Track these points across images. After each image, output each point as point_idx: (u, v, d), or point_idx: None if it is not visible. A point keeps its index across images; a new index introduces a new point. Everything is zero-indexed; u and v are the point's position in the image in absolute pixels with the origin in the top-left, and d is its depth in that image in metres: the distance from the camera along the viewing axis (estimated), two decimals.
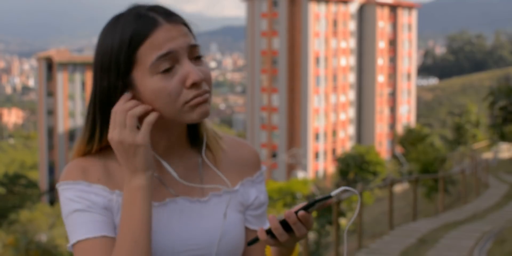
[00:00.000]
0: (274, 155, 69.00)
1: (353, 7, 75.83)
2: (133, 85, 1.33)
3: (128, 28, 1.30)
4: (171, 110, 1.31)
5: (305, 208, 1.30)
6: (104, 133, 1.37)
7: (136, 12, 1.32)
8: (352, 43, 75.81)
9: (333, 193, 1.28)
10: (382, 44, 77.58)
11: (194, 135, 1.46)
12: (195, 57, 1.33)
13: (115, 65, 1.32)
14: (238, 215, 1.44)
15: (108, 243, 1.30)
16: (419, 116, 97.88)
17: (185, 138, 1.44)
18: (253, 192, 1.49)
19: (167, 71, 1.30)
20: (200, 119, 1.33)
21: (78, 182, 1.34)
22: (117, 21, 1.34)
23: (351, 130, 74.85)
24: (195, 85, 1.30)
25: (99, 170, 1.37)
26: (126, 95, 1.32)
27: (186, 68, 1.30)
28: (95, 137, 1.38)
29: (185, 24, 1.35)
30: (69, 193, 1.34)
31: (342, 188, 1.27)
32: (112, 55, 1.32)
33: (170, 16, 1.33)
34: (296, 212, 1.29)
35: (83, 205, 1.32)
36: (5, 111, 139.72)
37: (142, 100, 1.33)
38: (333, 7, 72.53)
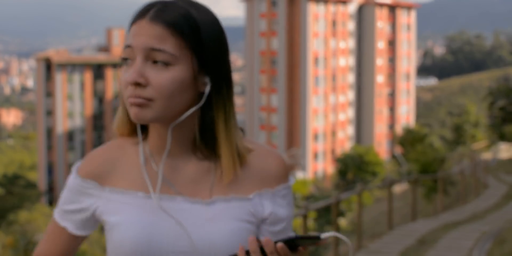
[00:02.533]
0: None
1: (352, 7, 75.85)
2: None
3: (135, 12, 1.37)
4: (124, 99, 1.35)
5: (286, 241, 1.23)
6: (123, 107, 1.42)
7: (151, 2, 1.36)
8: (351, 43, 75.82)
9: (323, 236, 1.21)
10: (381, 44, 77.59)
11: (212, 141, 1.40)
12: (157, 61, 1.31)
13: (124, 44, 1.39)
14: (242, 225, 1.36)
15: (63, 235, 1.44)
16: (418, 116, 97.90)
17: (193, 142, 1.40)
18: (269, 205, 1.40)
19: (127, 62, 1.33)
20: (134, 119, 1.31)
21: (76, 176, 1.42)
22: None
23: (350, 130, 74.86)
24: (132, 85, 1.31)
25: (106, 163, 1.41)
26: None
27: (134, 67, 1.30)
28: (117, 115, 1.44)
29: (174, 27, 1.31)
30: (71, 179, 1.43)
31: (332, 233, 1.20)
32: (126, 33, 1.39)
33: (159, 14, 1.31)
34: (276, 242, 1.23)
35: (72, 195, 1.42)
36: (4, 112, 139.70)
37: None
38: (332, 7, 72.54)
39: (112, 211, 1.37)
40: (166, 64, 1.30)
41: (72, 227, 1.43)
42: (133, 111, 1.31)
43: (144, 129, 1.42)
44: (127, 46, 1.32)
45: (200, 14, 1.34)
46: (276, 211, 1.40)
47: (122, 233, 1.33)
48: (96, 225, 1.45)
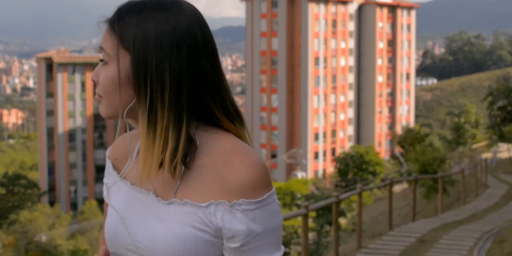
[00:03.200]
0: (273, 156, 69.04)
1: (352, 8, 75.88)
2: None
3: None
4: None
5: None
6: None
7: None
8: (351, 43, 75.85)
9: None
10: (381, 45, 77.62)
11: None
12: (101, 60, 1.38)
13: None
14: (190, 231, 1.29)
15: (112, 210, 1.45)
16: (418, 116, 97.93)
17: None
18: (219, 217, 1.29)
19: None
20: (102, 115, 1.39)
21: (108, 154, 1.53)
22: None
23: (350, 130, 74.89)
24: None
25: (122, 149, 1.49)
26: None
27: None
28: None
29: (112, 27, 1.36)
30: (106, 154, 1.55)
31: None
32: None
33: (112, 16, 1.37)
34: None
35: (106, 170, 1.53)
36: (5, 112, 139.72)
37: None
38: (332, 8, 72.57)
39: (111, 192, 1.46)
40: (106, 63, 1.36)
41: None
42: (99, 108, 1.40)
43: None
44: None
45: (146, 15, 1.32)
46: (228, 226, 1.28)
47: (107, 217, 1.43)
48: None
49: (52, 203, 63.17)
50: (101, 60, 1.37)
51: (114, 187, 1.44)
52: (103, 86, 1.35)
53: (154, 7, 1.32)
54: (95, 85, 1.38)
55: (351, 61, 75.84)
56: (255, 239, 1.29)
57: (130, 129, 1.39)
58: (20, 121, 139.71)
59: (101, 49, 1.36)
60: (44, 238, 36.98)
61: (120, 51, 1.32)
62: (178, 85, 1.29)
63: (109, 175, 1.48)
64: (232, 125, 1.37)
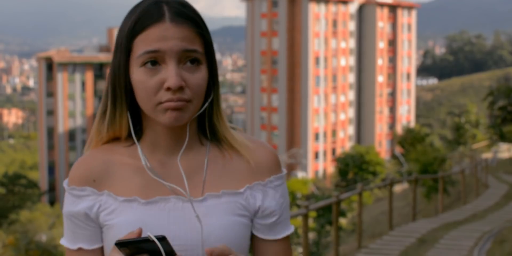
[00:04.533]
0: None
1: (352, 7, 75.86)
2: (129, 70, 1.36)
3: (140, 14, 1.32)
4: (147, 105, 1.33)
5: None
6: (115, 115, 1.39)
7: (154, 2, 1.33)
8: (351, 43, 75.84)
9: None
10: (381, 44, 77.61)
11: (211, 133, 1.45)
12: (191, 62, 1.33)
13: (122, 45, 1.35)
14: (234, 219, 1.38)
15: (82, 254, 1.39)
16: (418, 116, 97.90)
17: (195, 136, 1.43)
18: (260, 198, 1.42)
19: (152, 67, 1.31)
20: (169, 124, 1.32)
21: (71, 187, 1.39)
22: (139, 4, 1.36)
23: (350, 130, 74.88)
24: (170, 89, 1.30)
25: (99, 166, 1.39)
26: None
27: (169, 71, 1.29)
28: (106, 118, 1.40)
29: (196, 26, 1.34)
30: (66, 196, 1.41)
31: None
32: (122, 35, 1.35)
33: (179, 15, 1.32)
34: None
35: (69, 212, 1.39)
36: (5, 111, 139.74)
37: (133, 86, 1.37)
38: (333, 7, 72.56)
39: (110, 212, 1.37)
40: (198, 64, 1.33)
41: (86, 244, 1.40)
42: (171, 115, 1.31)
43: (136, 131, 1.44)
44: (152, 51, 1.30)
45: (196, 11, 1.37)
46: (267, 204, 1.42)
47: (121, 233, 1.33)
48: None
49: (52, 203, 63.17)
50: (194, 63, 1.33)
51: (118, 209, 1.36)
52: (198, 88, 1.32)
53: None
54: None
55: (352, 61, 75.82)
56: (284, 211, 1.45)
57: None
58: (20, 121, 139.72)
59: (190, 51, 1.31)
60: (44, 238, 36.96)
61: (205, 51, 1.35)
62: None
63: (87, 200, 1.38)
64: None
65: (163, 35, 1.29)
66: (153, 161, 1.40)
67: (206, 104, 1.39)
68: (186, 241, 1.34)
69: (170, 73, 1.29)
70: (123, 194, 1.37)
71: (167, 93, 1.30)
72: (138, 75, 1.32)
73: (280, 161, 1.47)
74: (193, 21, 1.33)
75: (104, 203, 1.37)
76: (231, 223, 1.37)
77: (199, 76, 1.32)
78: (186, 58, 1.32)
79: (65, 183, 1.41)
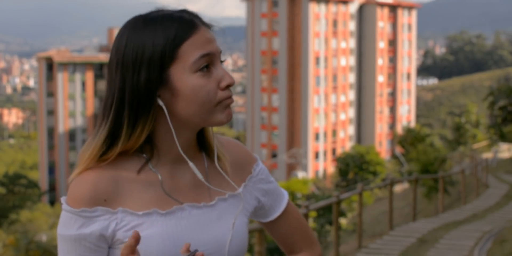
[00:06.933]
0: (274, 155, 69.04)
1: (353, 7, 75.87)
2: (169, 80, 1.33)
3: (171, 26, 1.33)
4: (206, 108, 1.34)
5: None
6: (133, 131, 1.35)
7: (171, 14, 1.36)
8: (352, 43, 75.84)
9: None
10: (382, 44, 77.61)
11: (201, 141, 1.47)
12: (221, 62, 1.40)
13: (155, 59, 1.32)
14: (242, 219, 1.46)
15: None
16: (419, 116, 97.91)
17: (195, 143, 1.45)
18: (259, 189, 1.52)
19: (205, 70, 1.34)
20: (227, 120, 1.37)
21: (81, 210, 1.33)
22: (151, 22, 1.35)
23: (351, 130, 74.88)
24: (227, 87, 1.36)
25: (109, 184, 1.35)
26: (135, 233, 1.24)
27: (220, 70, 1.36)
28: (120, 138, 1.35)
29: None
30: (71, 218, 1.34)
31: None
32: (154, 50, 1.32)
33: (202, 21, 1.39)
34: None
35: (79, 235, 1.33)
36: (5, 111, 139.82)
37: (176, 96, 1.34)
38: (333, 7, 72.56)
39: (131, 228, 1.34)
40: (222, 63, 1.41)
41: None
42: (229, 112, 1.37)
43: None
44: (206, 55, 1.34)
45: None
46: (268, 188, 1.54)
47: (148, 246, 1.33)
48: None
49: (52, 203, 63.18)
50: (222, 62, 1.40)
51: (140, 223, 1.35)
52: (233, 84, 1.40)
53: None
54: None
55: (352, 60, 75.83)
56: (276, 185, 1.56)
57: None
58: (20, 121, 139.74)
59: (220, 53, 1.38)
60: (44, 238, 36.95)
61: None
62: None
63: (99, 221, 1.33)
64: None
65: (208, 38, 1.36)
66: (163, 173, 1.40)
67: None
68: (211, 245, 1.39)
69: (223, 72, 1.36)
70: (140, 209, 1.35)
71: (226, 91, 1.35)
72: (195, 80, 1.33)
73: (248, 149, 1.55)
74: (210, 24, 1.42)
75: (120, 221, 1.34)
76: (241, 223, 1.44)
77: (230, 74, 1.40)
78: (220, 58, 1.39)
79: (66, 205, 1.34)
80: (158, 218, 1.35)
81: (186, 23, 1.35)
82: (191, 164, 1.39)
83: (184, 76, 1.33)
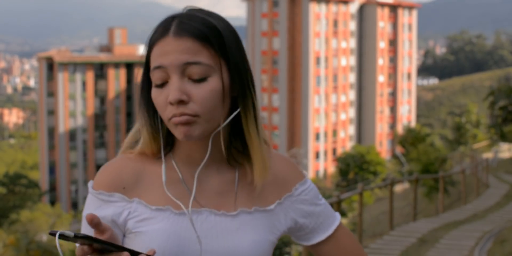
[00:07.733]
0: None
1: (353, 7, 75.86)
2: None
3: (152, 31, 1.32)
4: (164, 122, 1.32)
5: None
6: (143, 128, 1.37)
7: (167, 16, 1.33)
8: (352, 43, 75.83)
9: None
10: (382, 44, 77.60)
11: (243, 147, 1.42)
12: (196, 74, 1.29)
13: (144, 60, 1.35)
14: (264, 236, 1.38)
15: None
16: (419, 116, 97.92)
17: (226, 150, 1.39)
18: (291, 216, 1.43)
19: (159, 83, 1.29)
20: (181, 139, 1.29)
21: (99, 192, 1.35)
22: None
23: (351, 130, 74.88)
24: (175, 104, 1.27)
25: (131, 174, 1.36)
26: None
27: (170, 85, 1.27)
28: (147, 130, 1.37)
29: (203, 37, 1.29)
30: (91, 198, 1.36)
31: None
32: (145, 53, 1.35)
33: (182, 28, 1.29)
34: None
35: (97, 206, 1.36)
36: (5, 111, 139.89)
37: None
38: (333, 7, 72.56)
39: (141, 220, 1.35)
40: (204, 76, 1.28)
41: None
42: (180, 130, 1.28)
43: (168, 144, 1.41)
44: (157, 67, 1.28)
45: (218, 22, 1.32)
46: (301, 221, 1.44)
47: (152, 241, 1.32)
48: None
49: (53, 203, 63.22)
50: (191, 76, 1.28)
51: (150, 217, 1.34)
52: (206, 102, 1.27)
53: (207, 12, 1.35)
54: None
55: (352, 60, 75.82)
56: (321, 212, 1.46)
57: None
58: (21, 121, 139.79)
59: (191, 64, 1.27)
60: (45, 238, 36.97)
61: (216, 60, 1.29)
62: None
63: (115, 206, 1.35)
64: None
65: (165, 50, 1.27)
66: (186, 174, 1.39)
67: (233, 115, 1.35)
68: (219, 255, 1.33)
69: (171, 88, 1.26)
70: (155, 204, 1.35)
71: (173, 108, 1.27)
72: (153, 91, 1.30)
73: (298, 167, 1.48)
74: (199, 32, 1.28)
75: (133, 210, 1.34)
76: (261, 239, 1.36)
77: (205, 89, 1.27)
78: (190, 71, 1.28)
79: (90, 185, 1.37)
80: (171, 216, 1.34)
81: (159, 31, 1.30)
82: (163, 165, 1.36)
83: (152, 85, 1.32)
